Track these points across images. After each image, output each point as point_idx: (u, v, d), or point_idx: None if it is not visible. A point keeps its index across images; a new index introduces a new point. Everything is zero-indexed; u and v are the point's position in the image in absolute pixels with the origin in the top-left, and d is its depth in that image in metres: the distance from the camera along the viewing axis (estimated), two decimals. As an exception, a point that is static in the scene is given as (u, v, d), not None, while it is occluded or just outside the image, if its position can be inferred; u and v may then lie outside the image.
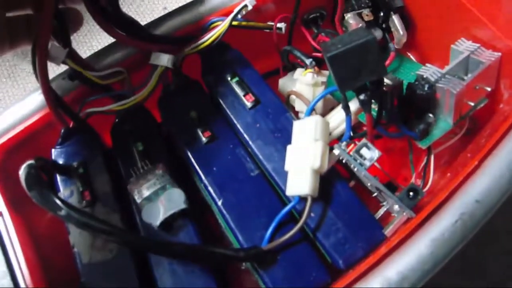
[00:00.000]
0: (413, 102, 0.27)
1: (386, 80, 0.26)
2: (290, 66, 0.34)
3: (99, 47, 0.31)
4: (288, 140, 0.27)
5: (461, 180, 0.24)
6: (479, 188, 0.23)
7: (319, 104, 0.29)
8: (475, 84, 0.27)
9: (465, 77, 0.27)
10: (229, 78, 0.30)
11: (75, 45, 0.29)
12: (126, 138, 0.29)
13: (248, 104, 0.29)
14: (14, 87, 0.56)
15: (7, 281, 0.24)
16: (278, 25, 0.31)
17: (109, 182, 0.28)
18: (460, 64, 0.28)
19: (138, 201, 0.26)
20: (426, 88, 0.26)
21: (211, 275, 0.24)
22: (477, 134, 0.30)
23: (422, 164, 0.30)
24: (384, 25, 0.34)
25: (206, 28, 0.31)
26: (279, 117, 0.28)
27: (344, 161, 0.25)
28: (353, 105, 0.26)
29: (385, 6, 0.34)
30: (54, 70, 0.29)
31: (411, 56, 0.39)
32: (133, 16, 0.30)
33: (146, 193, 0.26)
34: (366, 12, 0.34)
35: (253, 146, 0.28)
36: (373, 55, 0.21)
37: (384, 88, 0.26)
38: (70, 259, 0.26)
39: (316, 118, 0.25)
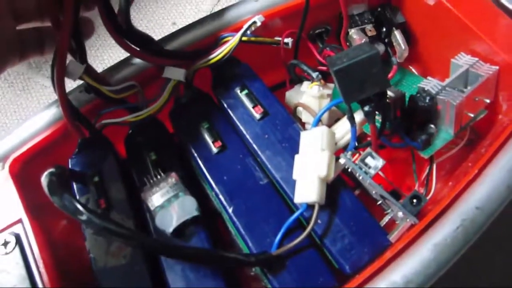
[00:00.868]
0: (415, 114, 0.28)
1: (389, 93, 0.28)
2: (297, 79, 0.36)
3: (111, 61, 0.32)
4: (295, 150, 0.28)
5: (462, 188, 0.25)
6: (479, 195, 0.24)
7: (325, 115, 0.31)
8: (475, 96, 0.28)
9: (465, 90, 0.28)
10: (238, 91, 0.32)
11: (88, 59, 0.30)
12: (139, 148, 0.31)
13: (257, 116, 0.30)
14: (28, 99, 0.58)
15: (27, 284, 0.25)
16: (285, 40, 0.33)
17: (123, 190, 0.29)
18: (460, 77, 0.29)
19: (152, 208, 0.27)
20: (427, 100, 0.27)
21: (222, 280, 0.25)
22: (478, 144, 0.31)
23: (425, 173, 0.31)
24: (386, 40, 0.36)
25: (217, 43, 0.32)
26: (286, 128, 0.30)
27: (349, 170, 0.26)
28: (358, 116, 0.27)
29: (388, 22, 0.35)
30: (71, 82, 0.31)
31: (413, 69, 0.40)
32: (143, 30, 0.31)
33: (159, 200, 0.27)
34: (369, 27, 0.35)
35: (262, 156, 0.29)
36: (376, 69, 0.22)
37: (387, 100, 0.27)
38: (84, 263, 0.27)
39: (322, 129, 0.26)
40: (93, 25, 0.30)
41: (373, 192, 0.27)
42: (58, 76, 0.27)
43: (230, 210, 0.28)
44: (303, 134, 0.27)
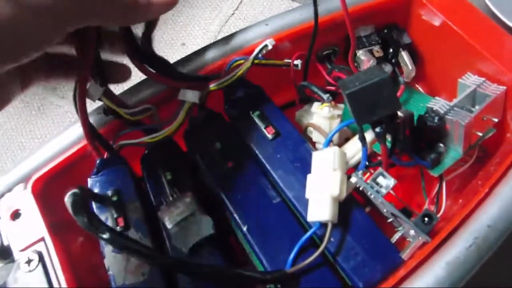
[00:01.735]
0: (424, 133, 0.29)
1: (398, 112, 0.28)
2: (306, 99, 0.36)
3: (124, 84, 0.34)
4: (307, 170, 0.29)
5: (473, 206, 0.25)
6: (490, 213, 0.25)
7: (335, 135, 0.31)
8: (483, 115, 0.29)
9: (473, 109, 0.29)
10: (250, 112, 0.33)
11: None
12: (155, 168, 0.31)
13: (269, 136, 0.31)
14: (43, 119, 0.60)
15: (49, 301, 0.26)
16: (295, 62, 0.34)
17: (140, 210, 0.30)
18: (468, 97, 0.29)
19: (169, 227, 0.28)
20: (436, 120, 0.28)
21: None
22: (487, 162, 0.32)
23: (435, 191, 0.32)
24: (393, 60, 0.37)
25: (229, 66, 0.33)
26: (298, 148, 0.30)
27: (361, 188, 0.27)
28: (368, 135, 0.28)
29: (394, 43, 0.36)
30: (91, 104, 0.32)
31: (420, 88, 0.41)
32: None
33: (176, 219, 0.28)
34: (376, 48, 0.36)
35: (274, 176, 0.30)
36: (388, 92, 0.23)
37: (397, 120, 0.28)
38: (102, 280, 0.28)
39: (334, 149, 0.27)
40: (129, 70, 0.31)
41: (384, 210, 0.27)
42: (80, 97, 0.29)
43: (244, 229, 0.28)
44: (315, 154, 0.28)
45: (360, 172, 0.27)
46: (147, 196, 0.31)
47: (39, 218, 0.29)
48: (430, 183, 0.33)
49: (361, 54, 0.36)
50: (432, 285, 0.23)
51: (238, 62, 0.33)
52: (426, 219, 0.25)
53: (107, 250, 0.28)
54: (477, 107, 0.29)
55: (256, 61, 0.32)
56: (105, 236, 0.22)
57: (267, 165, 0.30)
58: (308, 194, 0.27)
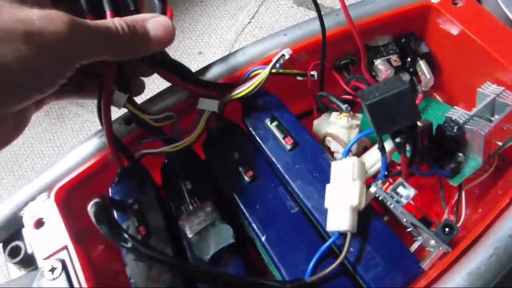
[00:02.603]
0: (443, 143, 0.29)
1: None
2: (324, 108, 0.37)
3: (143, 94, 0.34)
4: (325, 179, 0.29)
5: (494, 216, 0.25)
6: (511, 224, 0.25)
7: (354, 145, 0.32)
8: (502, 125, 0.29)
9: (492, 119, 0.29)
10: (268, 122, 0.33)
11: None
12: (175, 177, 0.32)
13: (288, 147, 0.31)
14: (63, 127, 0.61)
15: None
16: (312, 72, 0.34)
17: (161, 218, 0.30)
18: (487, 106, 0.29)
19: (190, 236, 0.28)
20: (455, 130, 0.28)
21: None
22: (507, 170, 0.31)
23: (454, 200, 0.31)
24: (411, 69, 0.37)
25: (247, 76, 0.34)
26: (316, 158, 0.31)
27: (380, 198, 0.27)
28: (387, 145, 0.28)
29: (412, 53, 0.36)
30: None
31: (437, 96, 0.41)
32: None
33: (197, 228, 0.28)
34: (394, 58, 0.36)
35: (293, 186, 0.30)
36: (408, 103, 0.23)
37: (415, 130, 0.28)
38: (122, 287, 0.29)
39: (353, 160, 0.27)
40: (144, 84, 0.32)
41: (404, 220, 0.27)
42: (105, 106, 0.29)
43: (263, 238, 0.28)
44: (334, 165, 0.28)
45: (380, 182, 0.27)
46: (167, 205, 0.31)
47: (62, 226, 0.30)
48: (448, 192, 0.32)
49: (379, 63, 0.36)
50: (454, 295, 0.23)
51: (255, 72, 0.34)
52: (446, 229, 0.24)
53: (129, 258, 0.29)
54: (496, 116, 0.29)
55: (273, 71, 0.33)
56: (128, 245, 0.22)
57: (285, 175, 0.30)
58: (327, 204, 0.27)
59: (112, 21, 0.25)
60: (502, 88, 0.30)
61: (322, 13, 0.34)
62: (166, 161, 0.33)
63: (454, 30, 0.35)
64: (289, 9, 0.67)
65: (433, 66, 0.37)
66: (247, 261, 0.31)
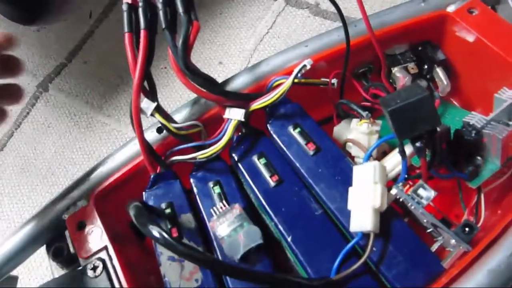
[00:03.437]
0: (461, 147, 0.30)
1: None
2: (344, 115, 0.38)
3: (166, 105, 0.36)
4: (347, 183, 0.30)
5: (513, 217, 0.26)
6: (530, 224, 0.26)
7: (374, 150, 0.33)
8: (519, 129, 0.30)
9: (510, 123, 0.30)
10: (291, 129, 0.35)
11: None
12: (205, 182, 0.34)
13: (310, 152, 0.33)
14: (91, 136, 0.64)
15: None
16: (332, 81, 0.36)
17: (193, 221, 0.32)
18: (504, 111, 0.30)
19: (220, 237, 0.30)
20: (473, 134, 0.29)
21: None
22: (525, 173, 0.32)
23: (473, 202, 0.32)
24: (428, 76, 0.38)
25: (271, 86, 0.36)
26: (338, 163, 0.32)
27: (401, 200, 0.28)
28: (407, 149, 0.30)
29: (429, 60, 0.37)
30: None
31: (454, 102, 0.42)
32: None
33: (226, 230, 0.30)
34: (411, 65, 0.38)
35: (317, 189, 0.31)
36: (428, 109, 0.25)
37: (434, 134, 0.29)
38: (155, 284, 0.30)
39: (374, 164, 0.28)
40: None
41: (425, 220, 0.29)
42: (135, 115, 0.31)
43: (289, 239, 0.30)
44: (355, 169, 0.30)
45: (400, 184, 0.28)
46: (197, 208, 0.33)
47: (101, 229, 0.32)
48: (467, 194, 0.33)
49: (396, 71, 0.37)
50: (474, 292, 0.24)
51: (278, 82, 0.35)
52: (466, 229, 0.26)
53: (163, 258, 0.30)
54: (513, 120, 0.30)
55: (296, 80, 0.34)
56: (168, 244, 0.24)
57: (309, 179, 0.32)
58: (350, 206, 0.29)
59: None
60: (519, 93, 0.31)
61: (336, 23, 0.35)
62: (195, 167, 0.35)
63: (470, 38, 0.36)
64: (306, 19, 0.69)
65: (450, 73, 0.39)
66: (274, 260, 0.32)
